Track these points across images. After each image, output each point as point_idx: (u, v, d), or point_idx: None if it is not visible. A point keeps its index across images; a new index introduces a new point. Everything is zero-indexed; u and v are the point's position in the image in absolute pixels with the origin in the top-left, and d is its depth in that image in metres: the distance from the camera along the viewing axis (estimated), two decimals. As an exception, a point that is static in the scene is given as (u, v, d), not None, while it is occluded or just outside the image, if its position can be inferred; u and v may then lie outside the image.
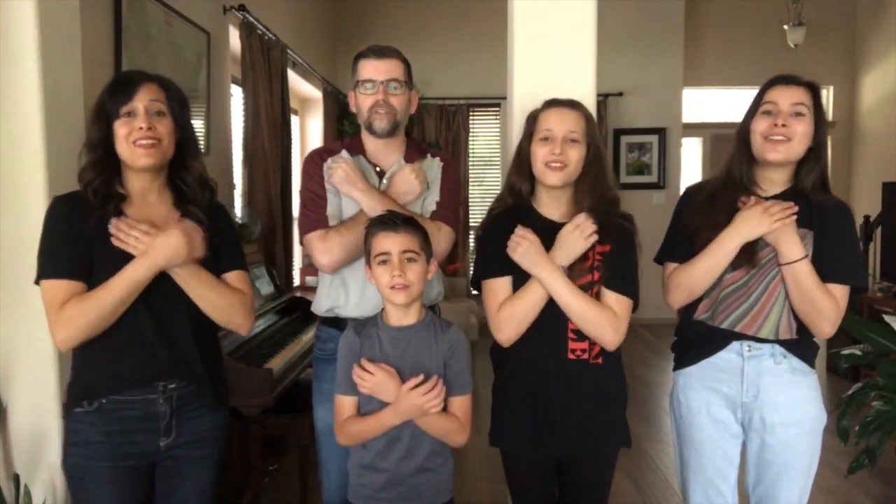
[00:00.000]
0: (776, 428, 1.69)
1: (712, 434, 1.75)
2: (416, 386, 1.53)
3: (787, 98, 1.65)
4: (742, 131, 1.72)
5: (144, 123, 1.49)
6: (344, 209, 1.84)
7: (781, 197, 1.70)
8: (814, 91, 1.68)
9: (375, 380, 1.55)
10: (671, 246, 1.81)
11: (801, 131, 1.65)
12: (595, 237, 1.62)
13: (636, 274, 1.69)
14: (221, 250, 1.62)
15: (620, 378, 1.75)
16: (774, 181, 1.72)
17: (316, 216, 1.84)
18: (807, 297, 1.63)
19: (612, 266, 1.66)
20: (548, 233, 1.67)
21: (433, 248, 1.68)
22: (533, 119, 1.73)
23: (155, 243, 1.45)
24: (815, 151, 1.69)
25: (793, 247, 1.62)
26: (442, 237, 1.81)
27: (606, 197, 1.68)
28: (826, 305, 1.63)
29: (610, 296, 1.65)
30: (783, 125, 1.64)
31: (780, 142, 1.64)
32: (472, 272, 1.81)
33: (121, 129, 1.49)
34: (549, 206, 1.72)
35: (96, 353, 1.51)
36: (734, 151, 1.74)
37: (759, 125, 1.68)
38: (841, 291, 1.66)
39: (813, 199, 1.68)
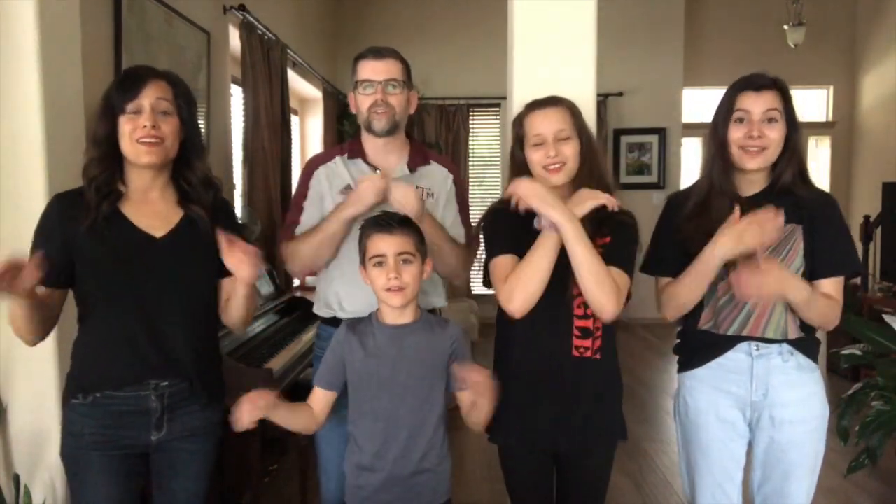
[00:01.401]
0: (785, 426, 1.69)
1: (720, 435, 1.74)
2: None
3: (758, 106, 1.65)
4: (717, 138, 1.71)
5: (149, 122, 1.49)
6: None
7: (761, 196, 1.70)
8: (782, 91, 1.68)
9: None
10: (660, 257, 1.80)
11: (776, 137, 1.65)
12: (605, 201, 1.61)
13: (634, 259, 1.69)
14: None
15: (617, 374, 1.76)
16: (753, 182, 1.72)
17: (288, 225, 1.91)
18: (815, 314, 1.66)
19: (611, 247, 1.65)
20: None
21: (461, 271, 1.73)
22: (519, 124, 1.73)
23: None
24: (788, 148, 1.68)
25: (799, 290, 1.61)
26: (472, 259, 1.88)
27: (604, 184, 1.69)
28: (832, 314, 1.68)
29: (611, 270, 1.61)
30: (758, 136, 1.64)
31: (756, 151, 1.65)
32: (482, 267, 1.77)
33: (125, 125, 1.50)
34: None
35: (89, 351, 1.54)
36: (712, 158, 1.73)
37: (734, 134, 1.67)
38: (837, 285, 1.68)
39: (796, 193, 1.68)
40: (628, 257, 1.68)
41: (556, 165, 1.65)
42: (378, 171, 1.88)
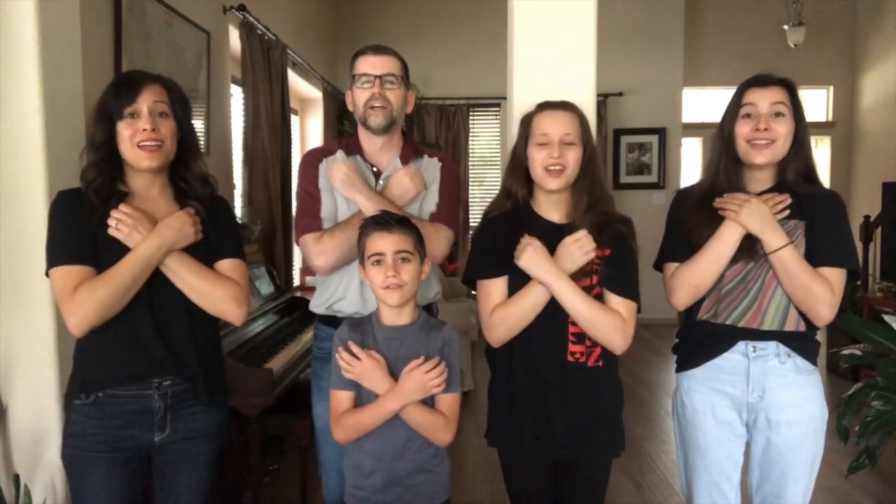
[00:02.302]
0: (781, 427, 1.69)
1: (717, 435, 1.74)
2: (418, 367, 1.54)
3: (765, 99, 1.66)
4: (724, 134, 1.72)
5: (148, 125, 1.50)
6: (339, 210, 1.85)
7: (768, 193, 1.70)
8: (789, 88, 1.69)
9: (363, 367, 1.55)
10: (669, 248, 1.81)
11: (784, 131, 1.66)
12: (593, 254, 1.62)
13: (637, 278, 1.71)
14: (217, 239, 1.62)
15: (617, 381, 1.76)
16: (760, 180, 1.72)
17: (310, 218, 1.85)
18: (798, 283, 1.62)
19: (613, 270, 1.67)
20: (549, 235, 1.67)
21: (432, 251, 1.68)
22: (527, 123, 1.73)
23: (162, 223, 1.49)
24: (795, 146, 1.69)
25: (775, 234, 1.62)
26: (441, 239, 1.82)
27: (602, 196, 1.70)
28: (819, 289, 1.61)
29: (615, 299, 1.66)
30: (765, 128, 1.65)
31: (765, 145, 1.66)
32: (464, 269, 1.80)
33: (125, 130, 1.51)
34: (549, 208, 1.73)
35: (93, 349, 1.53)
36: (718, 155, 1.74)
37: (742, 129, 1.68)
38: (834, 275, 1.64)
39: (799, 190, 1.68)
40: (631, 280, 1.69)
41: (557, 168, 1.65)
42: (375, 169, 1.88)
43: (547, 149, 1.66)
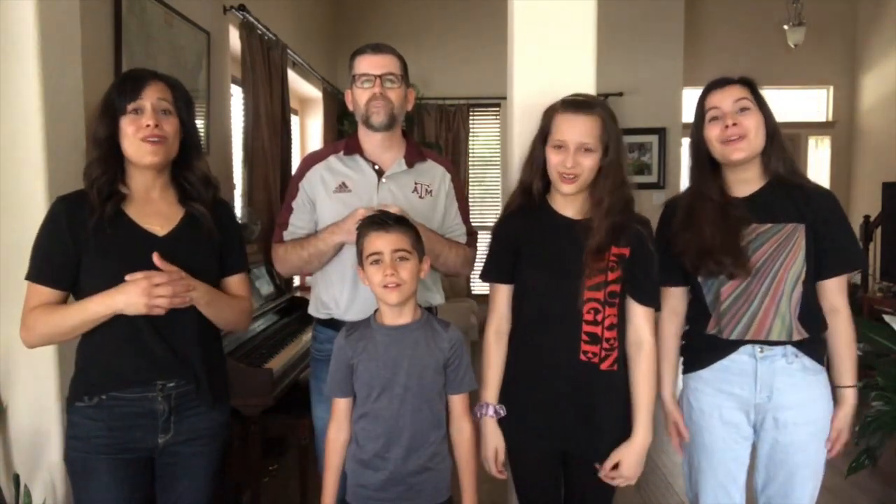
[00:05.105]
0: (789, 427, 1.69)
1: (724, 436, 1.74)
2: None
3: (727, 98, 1.67)
4: (695, 144, 1.73)
5: (151, 120, 1.50)
6: (327, 214, 1.86)
7: (760, 195, 1.70)
8: (749, 85, 1.69)
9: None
10: (663, 267, 1.79)
11: (753, 124, 1.66)
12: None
13: (657, 282, 1.71)
14: (227, 250, 1.65)
15: (627, 380, 1.75)
16: (747, 181, 1.71)
17: (279, 226, 1.94)
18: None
19: (636, 276, 1.65)
20: (565, 230, 1.67)
21: (463, 269, 1.80)
22: (549, 117, 1.69)
23: (121, 288, 1.46)
24: (770, 140, 1.69)
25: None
26: (473, 257, 1.91)
27: (624, 196, 1.66)
28: (850, 327, 1.75)
29: (638, 308, 1.68)
30: (734, 123, 1.65)
31: (738, 140, 1.65)
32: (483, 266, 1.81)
33: (128, 126, 1.51)
34: (565, 204, 1.71)
35: (96, 351, 1.53)
36: (692, 166, 1.75)
37: (712, 132, 1.68)
38: (842, 282, 1.69)
39: (795, 186, 1.68)
40: (652, 285, 1.69)
41: (571, 176, 1.63)
42: (376, 167, 1.88)
43: (562, 154, 1.63)
